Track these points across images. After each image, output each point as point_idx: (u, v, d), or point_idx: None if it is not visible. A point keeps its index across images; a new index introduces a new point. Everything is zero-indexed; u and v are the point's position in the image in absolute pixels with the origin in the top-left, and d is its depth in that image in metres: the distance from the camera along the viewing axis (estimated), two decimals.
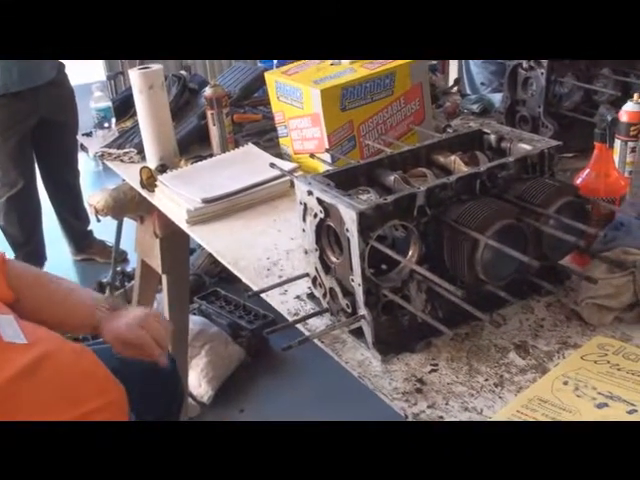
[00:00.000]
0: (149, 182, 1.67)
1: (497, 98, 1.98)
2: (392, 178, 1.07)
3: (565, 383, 0.87)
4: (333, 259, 1.04)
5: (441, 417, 0.87)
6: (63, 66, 2.99)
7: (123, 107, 2.12)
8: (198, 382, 2.41)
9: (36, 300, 1.26)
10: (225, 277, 2.97)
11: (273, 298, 1.18)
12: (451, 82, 2.51)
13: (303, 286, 1.17)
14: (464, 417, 0.87)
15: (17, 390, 1.01)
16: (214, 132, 1.77)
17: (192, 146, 1.88)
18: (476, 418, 0.86)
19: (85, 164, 3.98)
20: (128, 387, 1.21)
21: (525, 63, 1.61)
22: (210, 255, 2.90)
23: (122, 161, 1.90)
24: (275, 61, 2.25)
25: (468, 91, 2.65)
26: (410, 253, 1.00)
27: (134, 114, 1.89)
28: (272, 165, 1.37)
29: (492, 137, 1.15)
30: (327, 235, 1.04)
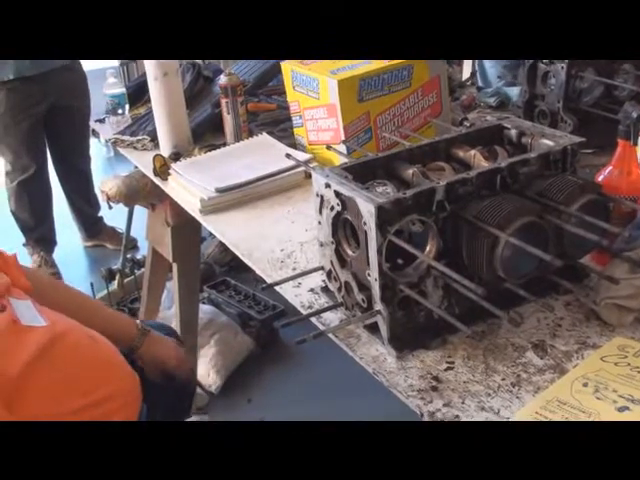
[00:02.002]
0: (162, 170, 1.65)
1: (514, 92, 1.95)
2: (411, 172, 1.05)
3: (585, 385, 0.85)
4: (349, 252, 1.02)
5: (457, 416, 0.86)
6: None
7: (137, 94, 2.11)
8: (207, 372, 2.40)
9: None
10: (235, 266, 2.96)
11: (286, 290, 1.17)
12: (465, 74, 2.48)
13: (317, 279, 1.15)
14: (481, 417, 0.85)
15: (34, 371, 1.00)
16: (228, 121, 1.76)
17: (206, 134, 1.86)
18: (493, 418, 0.85)
19: (96, 150, 3.97)
20: (141, 376, 1.20)
21: None
22: (220, 244, 2.91)
23: (135, 148, 1.88)
24: None
25: (480, 84, 2.62)
26: (428, 248, 0.98)
27: (148, 101, 1.88)
28: (288, 156, 1.36)
29: (513, 132, 1.13)
30: (344, 228, 1.02)
